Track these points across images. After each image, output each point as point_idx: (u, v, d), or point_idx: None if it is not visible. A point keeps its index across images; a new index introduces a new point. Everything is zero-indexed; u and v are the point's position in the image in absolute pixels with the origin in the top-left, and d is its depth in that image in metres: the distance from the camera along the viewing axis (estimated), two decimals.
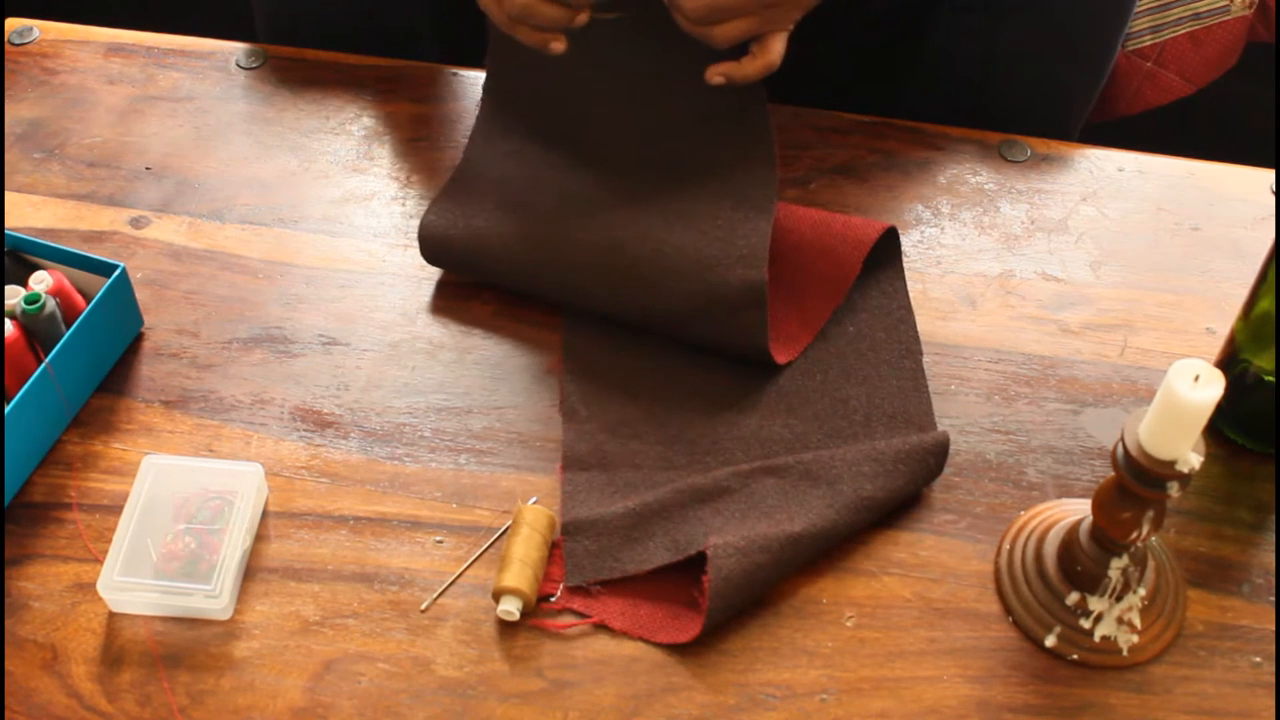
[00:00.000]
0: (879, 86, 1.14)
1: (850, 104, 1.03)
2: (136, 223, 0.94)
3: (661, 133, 0.90)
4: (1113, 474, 0.68)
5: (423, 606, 0.75)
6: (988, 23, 1.05)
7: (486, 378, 0.85)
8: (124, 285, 0.84)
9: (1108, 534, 0.71)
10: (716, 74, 0.85)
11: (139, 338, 0.87)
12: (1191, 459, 0.65)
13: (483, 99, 0.95)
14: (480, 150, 0.93)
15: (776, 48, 0.84)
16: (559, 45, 0.84)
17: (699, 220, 0.85)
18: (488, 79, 0.94)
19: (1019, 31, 1.04)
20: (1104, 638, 0.73)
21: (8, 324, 0.78)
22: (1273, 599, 0.76)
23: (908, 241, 0.94)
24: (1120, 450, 0.67)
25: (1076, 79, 1.09)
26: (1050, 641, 0.73)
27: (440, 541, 0.77)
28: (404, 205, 0.95)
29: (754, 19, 0.82)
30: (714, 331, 0.84)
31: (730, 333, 0.84)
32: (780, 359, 0.85)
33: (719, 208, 0.86)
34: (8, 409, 0.75)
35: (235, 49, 1.06)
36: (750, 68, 0.84)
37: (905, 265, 0.92)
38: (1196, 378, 0.62)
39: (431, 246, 0.89)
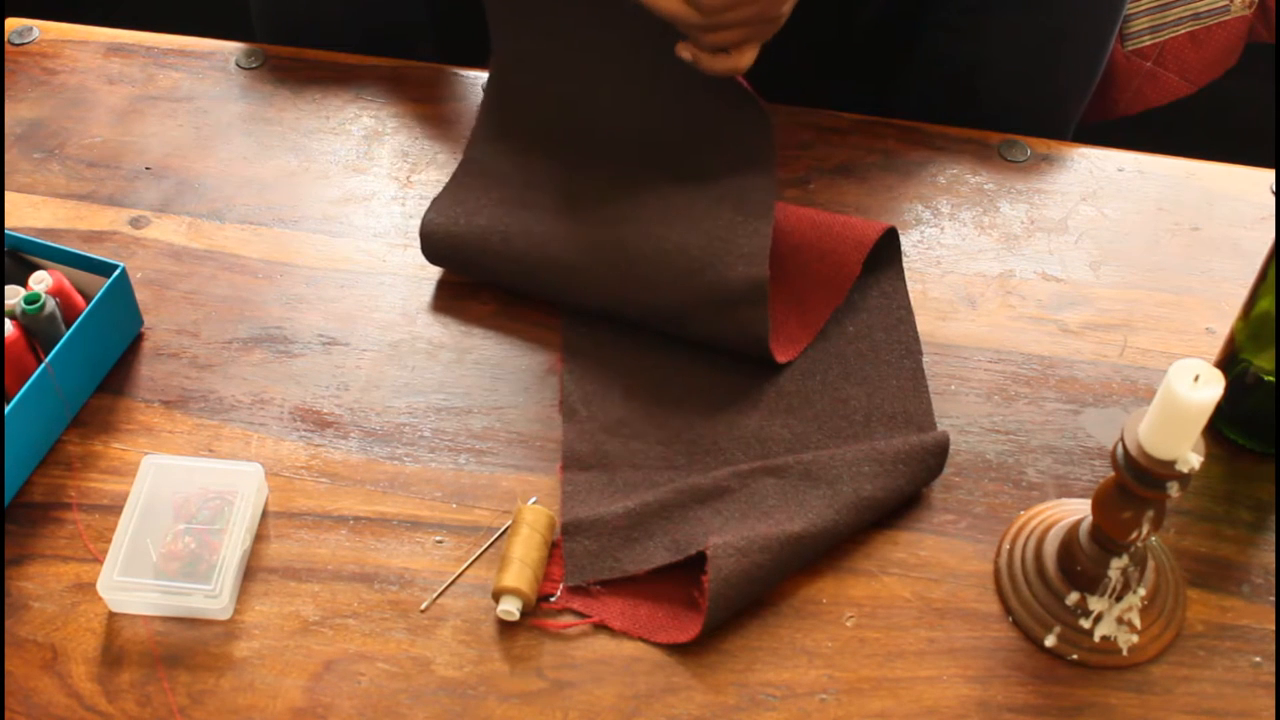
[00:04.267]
0: (873, 85, 1.14)
1: (845, 103, 1.03)
2: (136, 223, 0.94)
3: (663, 135, 0.90)
4: (1113, 474, 0.68)
5: (423, 606, 0.75)
6: (981, 21, 1.05)
7: (486, 378, 0.85)
8: (124, 285, 0.84)
9: (1108, 534, 0.71)
10: (685, 49, 0.85)
11: (139, 338, 0.87)
12: (1191, 459, 0.65)
13: (484, 97, 0.95)
14: (482, 148, 0.93)
15: (748, 56, 0.84)
16: None
17: (700, 220, 0.85)
18: (491, 77, 0.94)
19: (1013, 30, 1.04)
20: (1104, 638, 0.73)
21: (8, 324, 0.78)
22: (1273, 599, 0.76)
23: (907, 241, 0.94)
24: (1120, 450, 0.67)
25: (1071, 76, 1.09)
26: (1050, 641, 0.73)
27: (440, 541, 0.77)
28: (404, 205, 0.95)
29: (747, 30, 0.82)
30: (714, 328, 0.84)
31: (730, 329, 0.84)
32: (780, 359, 0.85)
33: (719, 209, 0.86)
34: (8, 409, 0.75)
35: (235, 49, 1.06)
36: (718, 64, 0.84)
37: (905, 265, 0.92)
38: (1196, 378, 0.62)
39: (433, 244, 0.89)
